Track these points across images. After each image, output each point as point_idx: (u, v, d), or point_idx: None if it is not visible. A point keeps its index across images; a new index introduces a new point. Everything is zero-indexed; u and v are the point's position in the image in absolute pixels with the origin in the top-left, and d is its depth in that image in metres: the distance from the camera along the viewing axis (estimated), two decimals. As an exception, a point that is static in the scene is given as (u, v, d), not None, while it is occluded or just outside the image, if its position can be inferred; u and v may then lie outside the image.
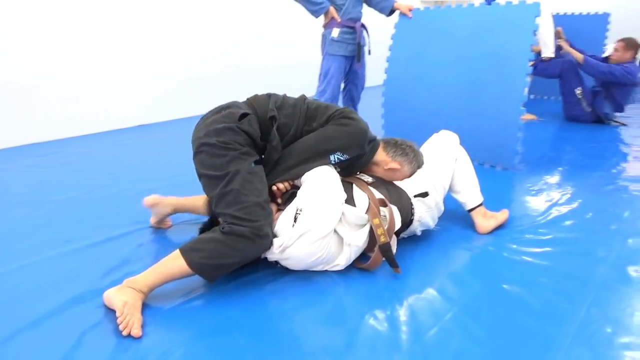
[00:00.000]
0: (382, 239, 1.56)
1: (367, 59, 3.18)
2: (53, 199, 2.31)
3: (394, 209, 1.66)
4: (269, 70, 4.87)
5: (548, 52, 3.88)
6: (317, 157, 1.64)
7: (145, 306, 1.41)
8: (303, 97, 1.76)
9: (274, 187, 1.65)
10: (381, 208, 1.63)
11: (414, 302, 1.47)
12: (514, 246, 1.83)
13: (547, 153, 3.22)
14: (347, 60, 3.08)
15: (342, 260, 1.59)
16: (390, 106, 3.14)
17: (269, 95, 1.72)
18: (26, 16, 3.21)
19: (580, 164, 2.91)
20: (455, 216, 2.05)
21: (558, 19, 4.46)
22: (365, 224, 1.59)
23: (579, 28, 3.99)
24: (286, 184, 1.66)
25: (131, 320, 1.30)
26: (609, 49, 4.24)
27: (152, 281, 1.42)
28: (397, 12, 3.11)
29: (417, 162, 1.84)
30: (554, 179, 2.64)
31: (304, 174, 1.62)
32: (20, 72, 3.23)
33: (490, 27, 2.67)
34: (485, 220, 1.94)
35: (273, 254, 1.52)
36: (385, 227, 1.58)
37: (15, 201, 2.28)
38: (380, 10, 3.13)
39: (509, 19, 2.61)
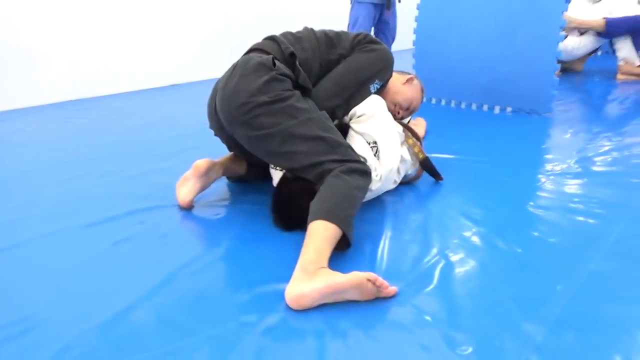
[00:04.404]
0: (421, 155, 1.71)
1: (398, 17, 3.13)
2: (90, 141, 2.40)
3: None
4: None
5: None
6: (361, 91, 1.59)
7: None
8: (311, 29, 1.63)
9: None
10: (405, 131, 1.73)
11: (439, 222, 1.47)
12: (543, 178, 1.79)
13: (591, 102, 3.11)
14: (377, 8, 3.04)
15: (398, 177, 1.68)
16: (421, 55, 3.08)
17: (272, 39, 1.57)
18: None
19: (624, 112, 2.80)
20: (486, 153, 2.03)
21: None
22: (402, 142, 1.69)
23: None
24: None
25: (381, 286, 1.09)
26: None
27: (324, 257, 1.15)
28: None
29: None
30: (594, 123, 2.54)
31: (352, 109, 1.58)
32: (62, 33, 3.32)
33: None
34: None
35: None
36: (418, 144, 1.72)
37: (56, 145, 2.38)
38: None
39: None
